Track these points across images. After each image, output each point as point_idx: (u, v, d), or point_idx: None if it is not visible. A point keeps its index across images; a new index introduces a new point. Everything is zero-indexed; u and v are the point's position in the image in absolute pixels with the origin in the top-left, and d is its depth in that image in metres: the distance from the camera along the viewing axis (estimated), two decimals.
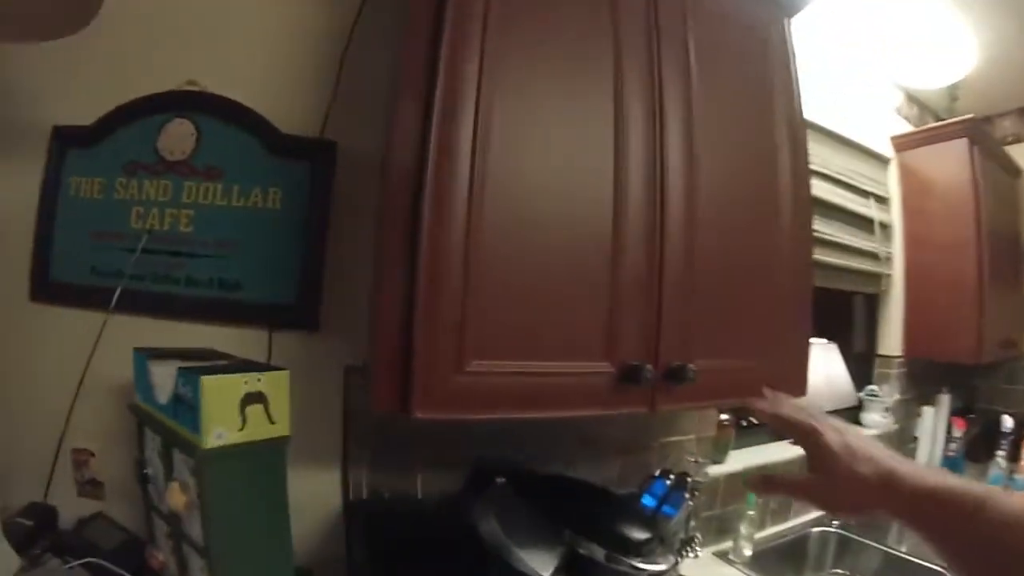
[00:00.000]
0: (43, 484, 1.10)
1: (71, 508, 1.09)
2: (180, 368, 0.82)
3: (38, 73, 1.17)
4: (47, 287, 1.16)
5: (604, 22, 0.91)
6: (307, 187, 1.15)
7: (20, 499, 1.07)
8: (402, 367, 0.73)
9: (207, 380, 0.76)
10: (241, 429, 0.80)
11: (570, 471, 1.26)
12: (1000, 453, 2.12)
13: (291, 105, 1.16)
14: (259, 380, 0.81)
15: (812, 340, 2.03)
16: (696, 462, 1.47)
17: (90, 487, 1.12)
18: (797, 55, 1.25)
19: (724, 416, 1.63)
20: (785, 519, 1.80)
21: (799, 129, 1.24)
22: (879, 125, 2.23)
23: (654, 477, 1.32)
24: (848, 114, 2.04)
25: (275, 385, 0.83)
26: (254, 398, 0.80)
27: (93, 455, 1.12)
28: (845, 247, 2.03)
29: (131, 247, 1.15)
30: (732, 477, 1.62)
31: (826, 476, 0.56)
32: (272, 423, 0.83)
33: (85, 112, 1.17)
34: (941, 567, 1.46)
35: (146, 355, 0.93)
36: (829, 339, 2.11)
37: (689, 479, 1.32)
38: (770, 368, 1.09)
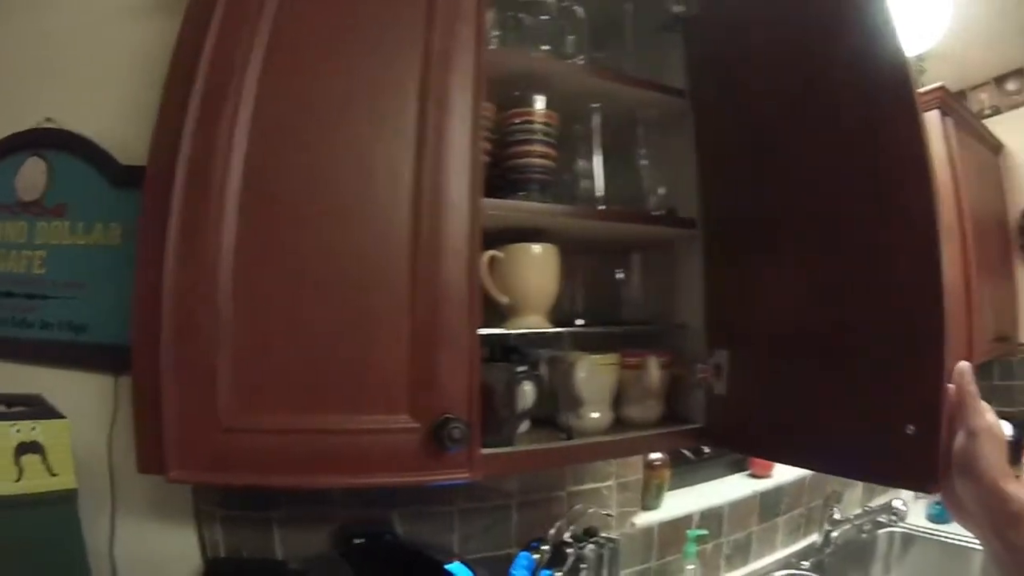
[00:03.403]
0: None
1: None
2: None
3: None
4: None
5: None
6: None
7: None
8: (155, 421, 0.64)
9: None
10: (17, 480, 0.75)
11: (451, 531, 1.13)
12: None
13: (135, 135, 1.07)
14: (33, 429, 0.76)
15: None
16: (609, 515, 1.25)
17: None
18: None
19: (655, 456, 1.39)
20: (744, 562, 1.58)
21: None
22: None
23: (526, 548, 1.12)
24: None
25: (54, 434, 0.77)
26: (28, 447, 0.76)
27: None
28: None
29: None
30: (670, 525, 1.41)
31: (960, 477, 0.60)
32: (53, 475, 0.77)
33: None
34: None
35: None
36: None
37: (599, 537, 1.15)
38: None
